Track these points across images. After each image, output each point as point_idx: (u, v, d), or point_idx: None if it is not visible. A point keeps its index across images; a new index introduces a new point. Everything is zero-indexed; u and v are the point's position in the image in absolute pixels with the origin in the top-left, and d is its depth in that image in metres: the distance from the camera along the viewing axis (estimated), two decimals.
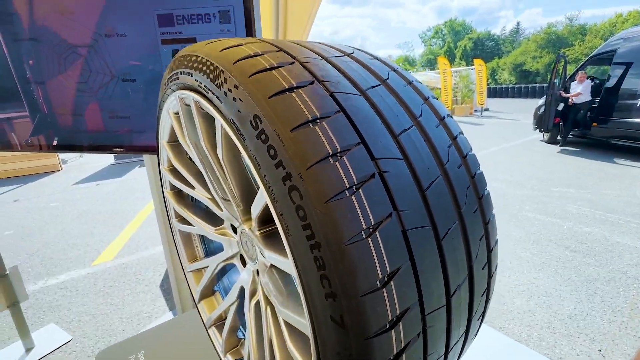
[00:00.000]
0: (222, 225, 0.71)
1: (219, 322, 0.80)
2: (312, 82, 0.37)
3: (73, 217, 4.16)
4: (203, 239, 0.86)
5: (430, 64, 55.06)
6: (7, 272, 1.87)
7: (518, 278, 2.49)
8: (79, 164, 7.70)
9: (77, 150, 1.42)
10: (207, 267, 0.80)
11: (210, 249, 0.85)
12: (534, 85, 29.43)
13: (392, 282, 0.31)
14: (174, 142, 0.70)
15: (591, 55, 7.64)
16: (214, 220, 0.74)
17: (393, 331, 0.31)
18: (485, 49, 52.38)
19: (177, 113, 0.59)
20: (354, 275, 0.29)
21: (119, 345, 1.02)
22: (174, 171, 0.75)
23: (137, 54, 1.25)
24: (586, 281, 2.41)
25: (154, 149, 1.36)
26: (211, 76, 0.40)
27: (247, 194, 0.53)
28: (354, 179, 0.32)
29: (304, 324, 0.36)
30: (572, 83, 7.32)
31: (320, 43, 0.52)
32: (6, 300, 1.89)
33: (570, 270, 2.57)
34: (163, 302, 2.46)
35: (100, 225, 3.88)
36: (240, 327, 0.76)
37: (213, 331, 0.80)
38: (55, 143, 1.43)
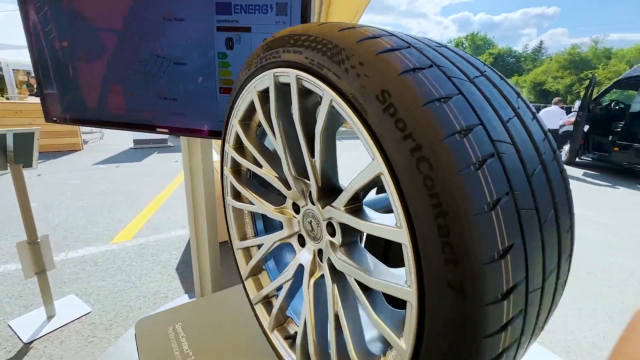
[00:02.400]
0: (283, 205, 0.73)
1: (266, 300, 0.83)
2: (431, 66, 0.39)
3: (93, 195, 4.26)
4: (254, 217, 0.89)
5: None
6: (39, 240, 1.94)
7: None
8: (98, 145, 7.88)
9: (122, 127, 1.47)
10: (259, 245, 0.82)
11: (261, 228, 0.88)
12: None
13: (508, 255, 0.33)
14: (246, 121, 0.73)
15: (618, 78, 7.51)
16: (273, 199, 0.77)
17: (505, 302, 0.33)
18: (505, 65, 51.92)
19: (262, 91, 0.62)
20: (479, 244, 0.31)
21: (157, 315, 1.05)
22: (240, 149, 0.78)
23: (192, 39, 1.30)
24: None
25: (193, 132, 1.40)
26: (329, 54, 0.42)
27: (330, 172, 0.56)
28: (479, 155, 0.34)
29: (406, 291, 0.38)
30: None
31: (409, 35, 0.54)
32: (35, 267, 1.95)
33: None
34: (179, 284, 2.51)
35: (120, 205, 3.96)
36: (291, 306, 0.79)
37: (260, 308, 0.82)
38: (103, 119, 1.49)
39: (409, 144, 0.34)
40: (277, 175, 0.70)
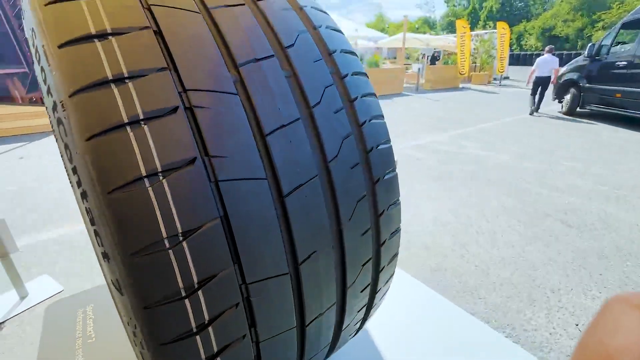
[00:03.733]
0: None
1: None
2: None
3: None
4: None
5: (452, 27, 51.65)
6: None
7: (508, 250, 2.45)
8: None
9: None
10: None
11: None
12: (561, 52, 27.40)
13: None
14: None
15: (624, 20, 6.94)
16: None
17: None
18: (513, 10, 48.58)
19: None
20: (129, 235, 0.24)
21: (69, 299, 1.03)
22: None
23: None
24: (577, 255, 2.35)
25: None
26: None
27: None
28: (139, 112, 0.25)
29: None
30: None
31: None
32: None
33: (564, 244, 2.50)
34: None
35: None
36: None
37: None
38: None
39: (50, 100, 0.25)
40: None
